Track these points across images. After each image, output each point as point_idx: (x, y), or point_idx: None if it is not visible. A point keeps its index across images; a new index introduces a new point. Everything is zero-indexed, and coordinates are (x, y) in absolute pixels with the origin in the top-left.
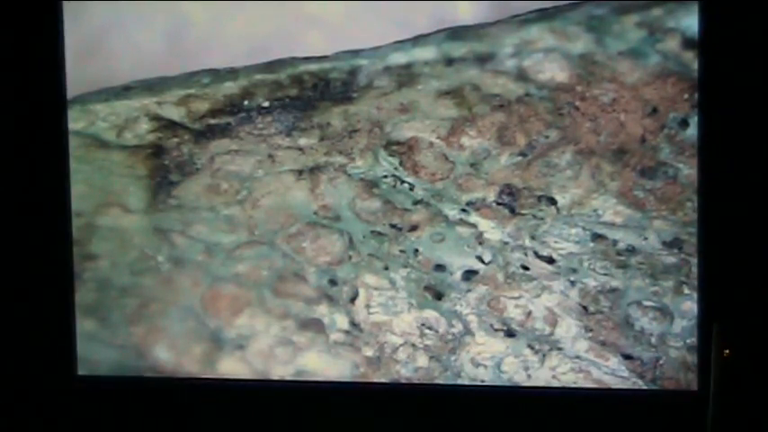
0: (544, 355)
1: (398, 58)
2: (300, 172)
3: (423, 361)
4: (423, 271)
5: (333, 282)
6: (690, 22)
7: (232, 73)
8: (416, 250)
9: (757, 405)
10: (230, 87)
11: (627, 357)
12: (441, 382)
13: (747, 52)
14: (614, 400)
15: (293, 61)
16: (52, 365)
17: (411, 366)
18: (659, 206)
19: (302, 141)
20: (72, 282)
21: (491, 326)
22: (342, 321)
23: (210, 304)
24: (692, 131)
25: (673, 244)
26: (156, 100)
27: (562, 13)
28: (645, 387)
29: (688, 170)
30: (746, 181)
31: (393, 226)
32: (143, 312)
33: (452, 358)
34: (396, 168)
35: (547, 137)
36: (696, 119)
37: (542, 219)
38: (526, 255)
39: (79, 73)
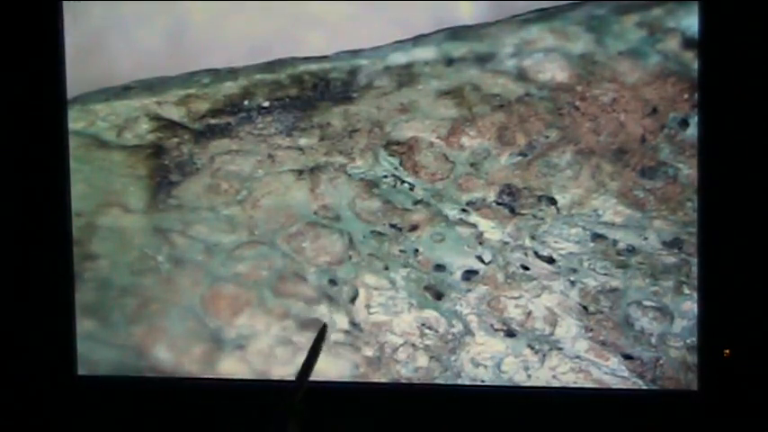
0: (544, 355)
1: (398, 58)
2: (300, 172)
3: (423, 361)
4: (423, 271)
5: (333, 282)
6: (690, 22)
7: (232, 73)
8: (416, 250)
9: (757, 405)
10: (230, 87)
11: (627, 357)
12: (441, 382)
13: (747, 52)
14: (614, 400)
15: (293, 61)
16: (52, 365)
17: (411, 366)
18: (659, 206)
19: (302, 141)
20: (72, 282)
21: (491, 326)
22: (342, 321)
23: (210, 304)
24: (692, 131)
25: (673, 244)
26: (156, 100)
27: (562, 13)
28: (645, 387)
29: (688, 170)
30: (746, 181)
31: (393, 226)
32: (143, 312)
33: (452, 358)
34: (396, 168)
35: (547, 137)
36: (696, 119)
37: (542, 219)
38: (526, 255)
39: (79, 73)
